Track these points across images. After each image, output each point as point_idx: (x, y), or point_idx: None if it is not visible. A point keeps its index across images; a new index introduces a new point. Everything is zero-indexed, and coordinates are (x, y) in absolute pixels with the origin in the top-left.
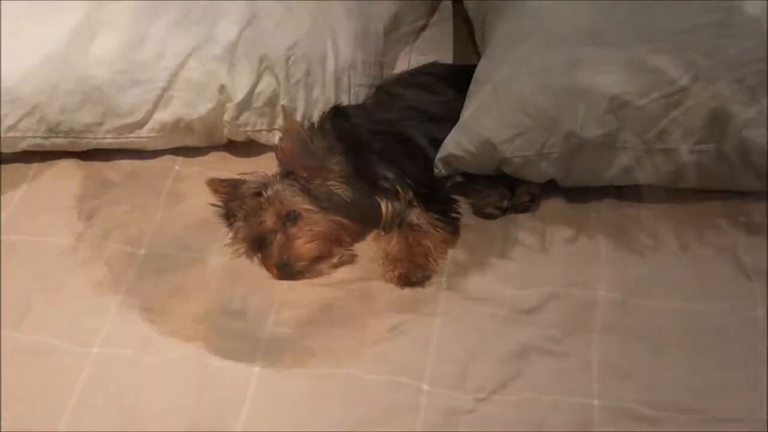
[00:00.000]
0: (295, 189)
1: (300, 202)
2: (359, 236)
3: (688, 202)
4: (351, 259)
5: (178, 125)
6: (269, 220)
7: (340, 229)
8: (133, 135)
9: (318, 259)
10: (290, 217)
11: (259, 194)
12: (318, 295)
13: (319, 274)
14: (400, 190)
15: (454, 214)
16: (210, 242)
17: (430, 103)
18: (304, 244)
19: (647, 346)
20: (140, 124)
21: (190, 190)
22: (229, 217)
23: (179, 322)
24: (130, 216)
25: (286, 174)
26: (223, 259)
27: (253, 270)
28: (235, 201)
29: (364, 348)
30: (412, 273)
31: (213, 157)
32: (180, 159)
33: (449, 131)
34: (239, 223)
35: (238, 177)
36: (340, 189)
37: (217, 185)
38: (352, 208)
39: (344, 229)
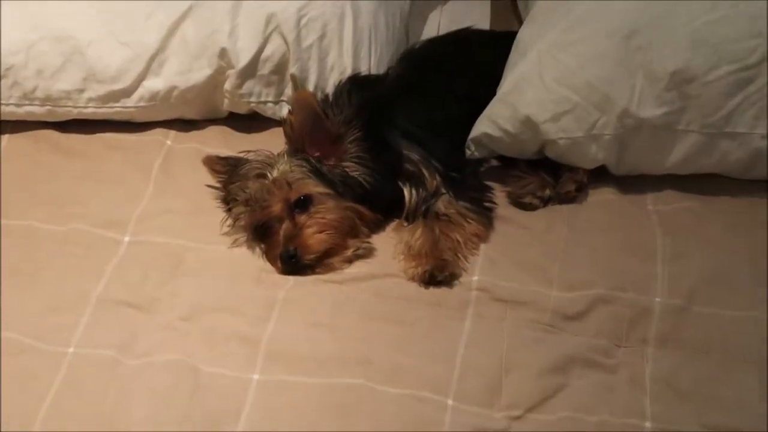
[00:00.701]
0: (305, 170)
1: (310, 186)
2: (378, 227)
3: (760, 196)
4: (368, 253)
5: (171, 94)
6: (274, 205)
7: (356, 217)
8: (118, 104)
9: (329, 251)
10: (299, 203)
11: (263, 175)
12: (328, 294)
13: (331, 269)
14: (426, 173)
15: (487, 204)
16: (205, 229)
17: (463, 76)
18: (313, 234)
19: (710, 361)
20: (127, 92)
21: (184, 169)
22: (227, 201)
23: (167, 321)
24: (114, 197)
25: (295, 153)
26: (219, 249)
27: (255, 263)
28: (235, 183)
29: (379, 355)
30: (438, 270)
31: (211, 131)
32: (173, 133)
33: (484, 107)
34: (239, 209)
35: (239, 155)
36: (357, 171)
37: (214, 164)
38: (371, 193)
39: (361, 217)
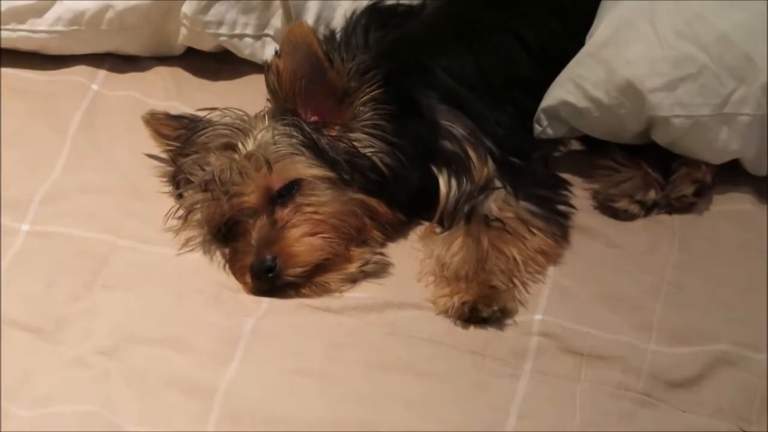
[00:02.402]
0: (294, 142)
1: (301, 166)
2: (397, 231)
3: None
4: (381, 270)
5: (102, 16)
6: (247, 192)
7: (367, 216)
8: (23, 27)
9: (324, 265)
10: (283, 191)
11: (231, 147)
12: (319, 328)
13: (325, 290)
14: (473, 157)
15: (562, 207)
16: (142, 221)
17: (536, 14)
18: (302, 238)
19: None
20: (37, 9)
21: (115, 128)
22: (177, 181)
23: (78, 353)
24: (10, 164)
25: (282, 115)
26: (162, 252)
27: (213, 275)
28: (190, 155)
29: (390, 423)
30: (483, 303)
31: (158, 75)
32: (102, 74)
33: (565, 63)
34: (195, 194)
35: (197, 114)
36: (370, 147)
37: (161, 124)
38: (390, 181)
39: (373, 216)
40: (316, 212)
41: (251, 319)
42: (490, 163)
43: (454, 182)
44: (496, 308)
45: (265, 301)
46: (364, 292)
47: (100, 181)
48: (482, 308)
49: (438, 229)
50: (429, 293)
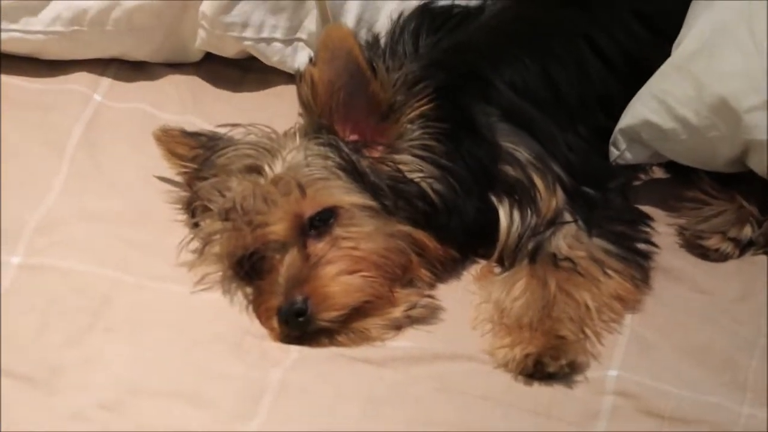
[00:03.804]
0: (330, 165)
1: (338, 193)
2: (448, 270)
3: None
4: (429, 315)
5: (108, 16)
6: (274, 222)
7: (413, 252)
8: (16, 28)
9: (364, 308)
10: (317, 221)
11: (257, 169)
12: (357, 382)
13: (365, 338)
14: (540, 185)
15: (642, 245)
16: (151, 254)
17: (617, 17)
18: (338, 277)
19: None
20: (32, 8)
21: (121, 144)
22: (193, 208)
23: (77, 407)
24: (2, 184)
25: (317, 132)
26: (174, 290)
27: (234, 319)
28: (208, 178)
29: None
30: (549, 355)
31: (171, 85)
32: (106, 83)
33: (649, 75)
34: (213, 224)
35: (217, 130)
36: (419, 173)
37: (175, 142)
38: (441, 212)
39: (422, 253)
40: (354, 247)
41: (278, 371)
42: (560, 192)
43: (516, 214)
44: (564, 362)
45: (295, 350)
46: (410, 340)
47: (102, 207)
48: (548, 362)
49: (497, 269)
50: (486, 343)
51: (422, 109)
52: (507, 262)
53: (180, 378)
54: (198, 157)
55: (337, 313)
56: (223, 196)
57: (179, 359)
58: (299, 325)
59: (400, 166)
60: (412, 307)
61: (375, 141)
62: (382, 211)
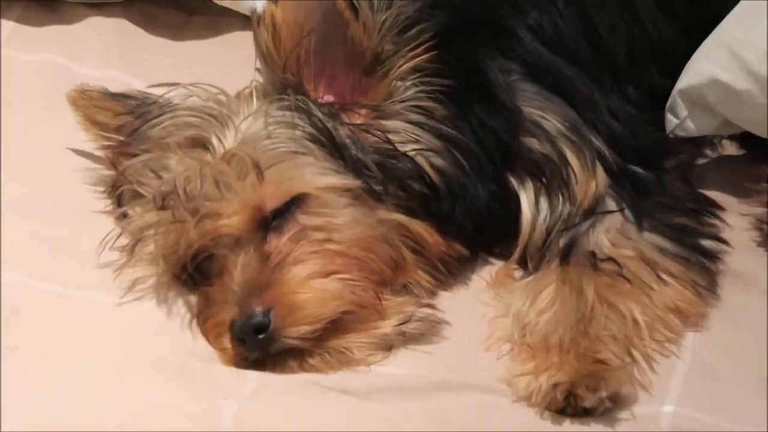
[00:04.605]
0: (298, 135)
1: (309, 172)
2: (453, 272)
3: None
4: (428, 330)
5: None
6: (226, 212)
7: (407, 247)
8: None
9: (343, 322)
10: (281, 210)
11: (202, 142)
12: (333, 420)
13: (344, 361)
14: (573, 163)
15: (707, 242)
16: (68, 254)
17: None
18: (308, 280)
19: None
20: None
21: (26, 108)
22: (121, 193)
23: None
24: None
25: (280, 92)
26: (96, 300)
27: (175, 336)
28: (139, 154)
29: None
30: (585, 385)
31: (93, 29)
32: (8, 27)
33: (714, 25)
34: (147, 214)
35: (150, 91)
36: (414, 143)
37: (96, 107)
38: (444, 195)
39: (417, 248)
40: (329, 239)
41: (232, 405)
42: (600, 173)
43: (543, 202)
44: (604, 394)
45: (253, 378)
46: (403, 365)
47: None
48: (584, 394)
49: (518, 273)
50: (503, 369)
51: (418, 60)
52: (531, 263)
53: (105, 413)
54: (126, 126)
55: (308, 327)
56: (159, 177)
57: (103, 389)
58: (259, 344)
59: (390, 136)
60: (407, 320)
61: (357, 103)
62: (367, 195)
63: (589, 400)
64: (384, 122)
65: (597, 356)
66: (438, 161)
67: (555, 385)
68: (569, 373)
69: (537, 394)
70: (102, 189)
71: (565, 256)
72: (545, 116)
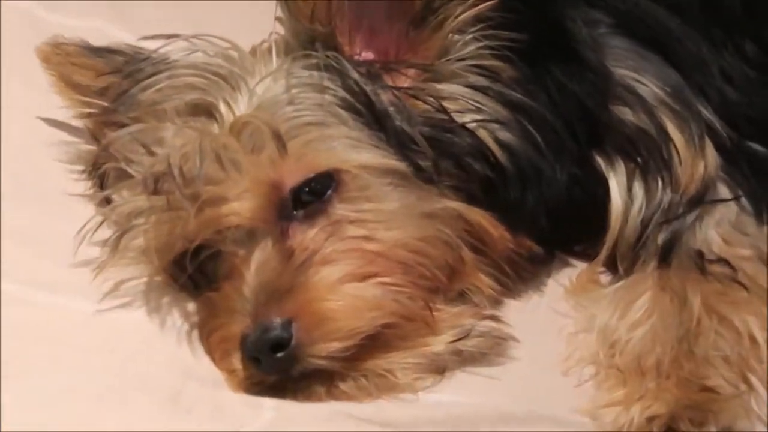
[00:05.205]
0: (329, 100)
1: (342, 147)
2: (523, 275)
3: None
4: (492, 348)
5: None
6: (235, 195)
7: (467, 244)
8: None
9: (384, 337)
10: (305, 194)
11: (205, 108)
12: None
13: (384, 387)
14: (676, 139)
15: None
16: (37, 249)
17: None
18: (339, 285)
19: None
20: None
21: None
22: (103, 173)
23: None
24: None
25: (306, 46)
26: (71, 306)
27: (166, 353)
28: (127, 124)
29: None
30: (689, 419)
31: None
32: None
33: None
34: (136, 199)
35: (141, 45)
36: (474, 112)
37: (74, 63)
38: (512, 178)
39: (478, 244)
40: (368, 236)
41: None
42: (710, 151)
43: (638, 188)
44: (713, 430)
45: (269, 406)
46: (460, 393)
47: None
48: (687, 429)
49: (605, 277)
50: (584, 398)
51: (481, 8)
52: (622, 265)
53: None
54: (111, 88)
55: (338, 344)
56: (152, 154)
57: (79, 418)
58: (277, 364)
59: (445, 103)
60: (464, 335)
61: (403, 61)
62: (415, 178)
63: None
64: (437, 86)
65: (704, 383)
66: (505, 135)
67: (651, 419)
68: (669, 403)
69: (629, 429)
70: (80, 168)
71: (665, 256)
72: (641, 79)
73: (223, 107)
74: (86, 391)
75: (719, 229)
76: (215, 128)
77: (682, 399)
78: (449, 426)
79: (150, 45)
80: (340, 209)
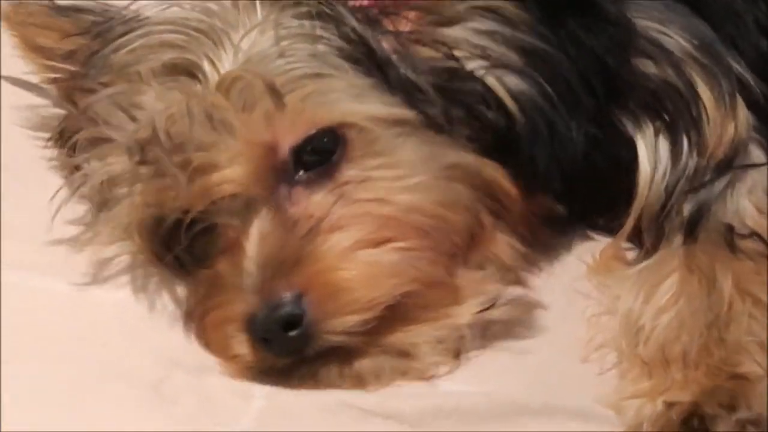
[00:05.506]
0: (324, 50)
1: (344, 99)
2: (538, 247)
3: None
4: (520, 314)
5: None
6: (228, 160)
7: (485, 204)
8: None
9: (401, 308)
10: (307, 154)
11: (188, 68)
12: None
13: (401, 372)
14: (704, 97)
15: None
16: (6, 224)
17: None
18: (353, 252)
19: None
20: None
21: None
22: (75, 142)
23: None
24: None
25: None
26: (45, 287)
27: (150, 338)
28: (99, 89)
29: None
30: (720, 407)
31: None
32: None
33: None
34: (114, 166)
35: (106, 3)
36: (484, 60)
37: (38, 23)
38: (524, 133)
39: (499, 210)
40: (382, 198)
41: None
42: (742, 110)
43: (663, 148)
44: (744, 416)
45: (260, 395)
46: (470, 382)
47: None
48: (715, 412)
49: (631, 254)
50: (606, 388)
51: None
52: (648, 238)
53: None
54: (79, 51)
55: (357, 317)
56: (133, 118)
57: (59, 409)
58: (291, 344)
59: (453, 50)
60: (491, 303)
61: (404, 2)
62: (427, 128)
63: (723, 424)
64: (444, 30)
65: (736, 370)
66: (515, 82)
67: (671, 405)
68: (696, 392)
69: (654, 421)
70: (48, 136)
71: (692, 229)
72: (666, 31)
73: (206, 65)
74: (63, 380)
75: (752, 197)
76: (199, 88)
77: (712, 387)
78: (458, 419)
79: (120, 3)
80: (347, 169)
